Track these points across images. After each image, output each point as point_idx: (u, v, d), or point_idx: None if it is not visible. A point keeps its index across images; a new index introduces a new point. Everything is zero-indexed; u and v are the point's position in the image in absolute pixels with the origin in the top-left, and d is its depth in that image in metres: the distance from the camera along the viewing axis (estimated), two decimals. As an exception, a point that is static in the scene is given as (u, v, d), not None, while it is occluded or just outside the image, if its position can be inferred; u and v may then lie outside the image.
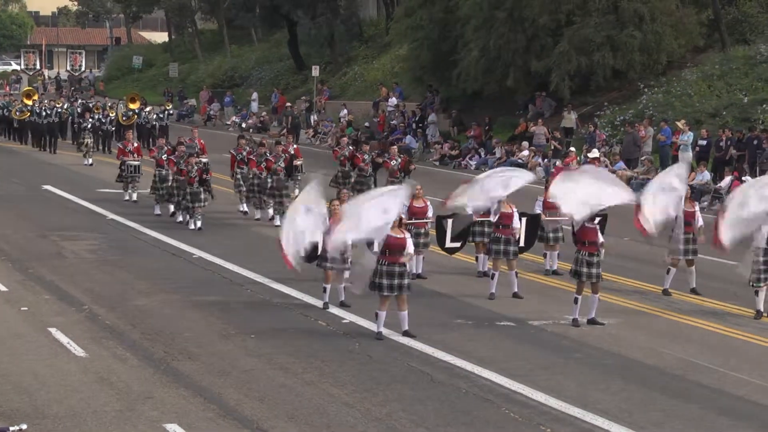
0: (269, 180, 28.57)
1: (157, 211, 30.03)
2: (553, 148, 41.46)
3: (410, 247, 17.83)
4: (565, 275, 20.39)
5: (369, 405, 14.21)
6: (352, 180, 30.27)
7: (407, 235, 17.65)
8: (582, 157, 39.06)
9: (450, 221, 21.65)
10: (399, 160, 29.47)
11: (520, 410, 14.11)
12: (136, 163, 32.22)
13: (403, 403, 14.28)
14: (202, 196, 27.72)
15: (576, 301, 18.38)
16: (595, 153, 38.62)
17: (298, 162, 30.55)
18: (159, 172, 29.99)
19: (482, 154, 43.68)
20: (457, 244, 22.12)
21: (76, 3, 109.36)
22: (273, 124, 59.45)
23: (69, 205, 31.97)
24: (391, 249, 17.28)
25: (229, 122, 62.08)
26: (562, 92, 43.73)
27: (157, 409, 13.90)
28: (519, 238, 20.83)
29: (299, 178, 30.26)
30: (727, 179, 33.91)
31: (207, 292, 20.87)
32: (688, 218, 20.57)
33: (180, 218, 28.73)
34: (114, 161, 36.09)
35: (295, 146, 31.90)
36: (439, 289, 21.07)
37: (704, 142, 36.48)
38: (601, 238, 18.52)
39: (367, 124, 52.17)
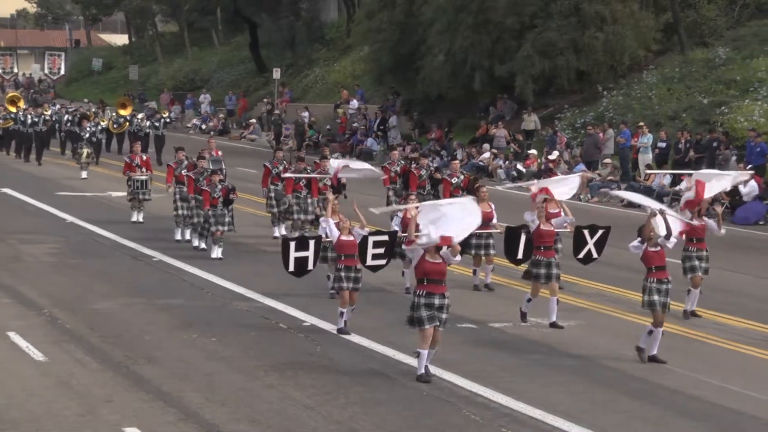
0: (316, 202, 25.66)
1: (178, 236, 26.63)
2: (513, 150, 41.59)
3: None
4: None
5: (330, 408, 14.17)
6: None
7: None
8: (542, 159, 39.25)
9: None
10: (462, 177, 25.09)
11: (481, 412, 14.10)
12: (144, 177, 28.85)
13: (365, 406, 14.25)
14: (227, 219, 24.45)
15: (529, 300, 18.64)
16: (555, 154, 38.79)
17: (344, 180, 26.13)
18: (180, 190, 26.33)
19: (443, 156, 43.71)
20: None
21: (35, 5, 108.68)
22: (232, 126, 59.43)
23: (27, 208, 31.77)
24: (429, 277, 15.22)
25: (189, 125, 61.89)
26: (526, 95, 43.91)
27: (117, 413, 13.80)
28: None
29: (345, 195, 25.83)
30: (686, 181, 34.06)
31: (167, 296, 20.76)
32: (701, 233, 19.73)
33: (196, 243, 25.47)
34: (102, 170, 35.73)
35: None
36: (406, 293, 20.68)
37: (664, 145, 36.68)
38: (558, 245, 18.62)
39: (328, 126, 52.12)
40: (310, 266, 18.63)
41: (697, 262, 19.35)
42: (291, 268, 18.54)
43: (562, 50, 43.26)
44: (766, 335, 18.34)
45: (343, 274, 17.79)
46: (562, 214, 20.17)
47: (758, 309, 20.06)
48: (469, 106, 47.92)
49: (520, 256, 19.71)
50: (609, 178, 36.69)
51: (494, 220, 21.35)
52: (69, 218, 29.56)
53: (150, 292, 20.98)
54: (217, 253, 24.24)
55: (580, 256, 19.79)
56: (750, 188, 31.86)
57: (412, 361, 16.31)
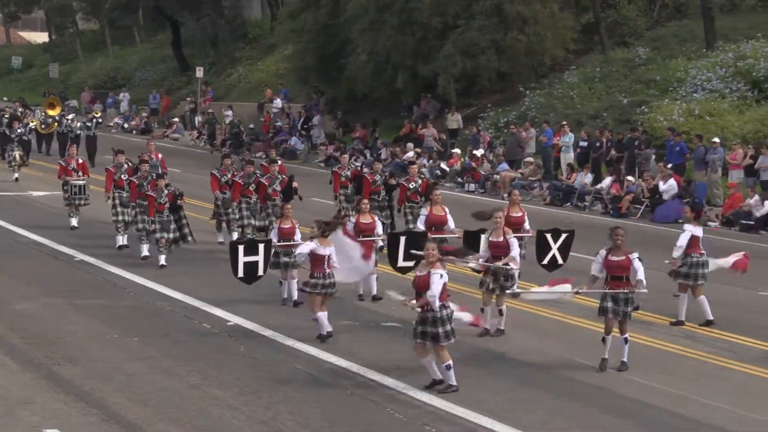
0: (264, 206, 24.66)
1: (122, 241, 25.31)
2: (436, 149, 41.76)
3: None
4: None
5: (254, 407, 14.13)
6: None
7: (438, 271, 14.68)
8: (466, 157, 39.45)
9: (403, 238, 19.61)
10: (420, 182, 24.28)
11: (405, 410, 14.14)
12: (81, 182, 27.69)
13: (289, 405, 14.22)
14: (172, 226, 23.34)
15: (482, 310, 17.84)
16: (480, 152, 39.03)
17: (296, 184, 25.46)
18: (119, 195, 25.40)
19: (368, 155, 43.74)
20: (410, 263, 19.24)
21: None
22: (155, 125, 59.02)
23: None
24: (418, 291, 14.84)
25: (111, 124, 61.29)
26: (449, 95, 44.11)
27: (37, 414, 13.65)
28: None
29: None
30: (607, 180, 34.49)
31: (89, 296, 20.57)
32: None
33: (145, 252, 24.03)
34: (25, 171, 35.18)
35: (279, 162, 27.34)
36: (338, 295, 19.66)
37: (585, 144, 37.03)
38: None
39: (251, 125, 51.92)
40: (261, 272, 18.45)
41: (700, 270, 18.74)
42: (240, 273, 18.34)
43: (484, 50, 43.52)
44: (686, 331, 18.56)
45: (320, 281, 17.34)
46: (525, 218, 20.06)
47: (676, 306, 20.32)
48: (392, 105, 48.01)
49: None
50: (530, 177, 36.96)
51: (450, 225, 20.50)
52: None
53: (71, 293, 20.77)
54: (162, 260, 23.14)
55: (545, 262, 19.28)
56: (669, 187, 32.27)
57: (335, 360, 16.33)
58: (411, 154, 40.53)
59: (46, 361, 16.09)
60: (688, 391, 15.16)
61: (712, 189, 33.20)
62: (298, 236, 19.72)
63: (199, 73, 58.49)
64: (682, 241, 18.62)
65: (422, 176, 25.74)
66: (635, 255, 16.06)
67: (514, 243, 17.82)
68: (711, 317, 18.68)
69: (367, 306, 19.95)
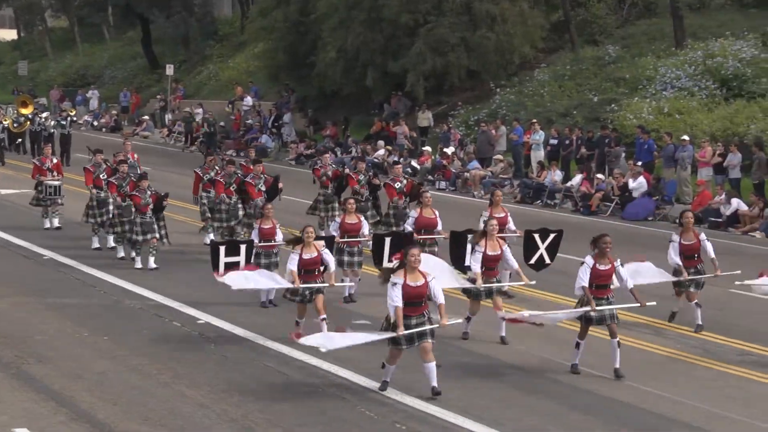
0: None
1: (96, 244, 25.11)
2: (407, 147, 41.77)
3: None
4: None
5: (225, 406, 14.08)
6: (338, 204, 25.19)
7: (429, 279, 14.57)
8: (437, 155, 39.48)
9: (388, 240, 19.44)
10: (405, 182, 23.88)
11: (376, 408, 14.13)
12: (57, 183, 27.18)
13: (260, 404, 14.19)
14: (155, 226, 22.94)
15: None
16: (450, 150, 39.06)
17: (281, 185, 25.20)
18: (97, 195, 25.08)
19: (338, 153, 43.73)
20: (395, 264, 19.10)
21: None
22: (124, 123, 58.83)
23: None
24: (409, 300, 14.44)
25: (81, 122, 61.00)
26: (417, 92, 44.14)
27: (5, 413, 13.56)
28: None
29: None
30: (578, 178, 34.59)
31: (59, 295, 20.47)
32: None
33: (122, 254, 23.88)
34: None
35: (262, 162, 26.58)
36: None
37: (555, 142, 37.12)
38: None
39: (222, 123, 51.78)
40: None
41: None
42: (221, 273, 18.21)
43: (453, 47, 43.57)
44: (658, 329, 18.62)
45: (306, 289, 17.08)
46: (509, 218, 19.93)
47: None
48: (363, 103, 48.00)
49: (467, 262, 18.19)
50: (501, 175, 37.01)
51: (439, 227, 20.39)
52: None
53: (41, 291, 20.66)
54: (150, 263, 22.73)
55: (532, 262, 19.08)
56: (639, 184, 32.38)
57: (305, 358, 16.29)
58: (382, 152, 40.54)
59: (15, 360, 15.99)
60: (657, 388, 15.19)
61: (682, 186, 33.35)
62: (279, 237, 19.60)
63: (170, 70, 58.29)
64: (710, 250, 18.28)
65: (406, 177, 25.26)
66: (618, 262, 15.91)
67: (508, 253, 17.39)
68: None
69: (343, 306, 19.82)
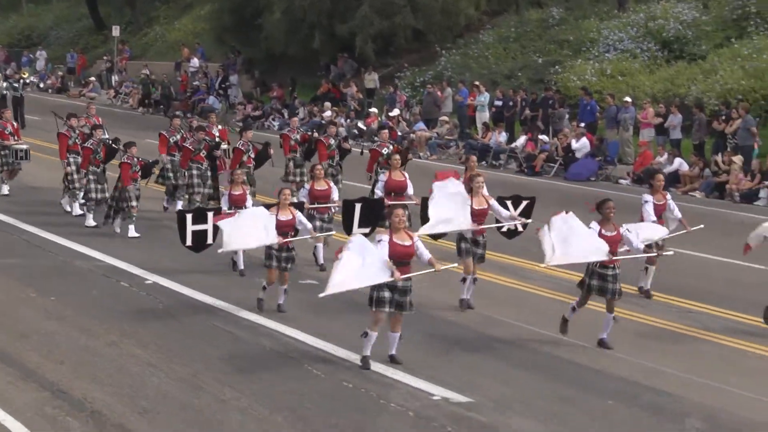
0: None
1: (77, 210, 24.25)
2: (354, 109, 41.72)
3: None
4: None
5: (173, 365, 14.10)
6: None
7: (416, 239, 14.38)
8: (383, 117, 39.47)
9: (359, 206, 19.16)
10: (391, 148, 23.14)
11: (322, 366, 14.20)
12: (25, 146, 26.60)
13: (207, 363, 14.22)
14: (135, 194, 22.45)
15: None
16: (396, 112, 39.05)
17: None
18: (75, 160, 24.31)
19: (285, 114, 43.61)
20: (366, 230, 18.79)
21: None
22: (71, 84, 58.25)
23: None
24: (397, 259, 14.14)
25: (27, 82, 60.35)
26: (367, 55, 44.09)
27: (-47, 374, 13.52)
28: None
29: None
30: (522, 139, 34.75)
31: (5, 255, 20.32)
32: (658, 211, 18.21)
33: (91, 222, 23.14)
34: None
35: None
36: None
37: (500, 103, 37.22)
38: None
39: (169, 83, 51.33)
40: (210, 240, 18.05)
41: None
42: (189, 242, 17.97)
43: (400, 9, 43.50)
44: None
45: (274, 252, 16.75)
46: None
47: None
48: (310, 65, 47.77)
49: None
50: (447, 136, 37.07)
51: (409, 190, 20.09)
52: None
53: (-14, 252, 20.54)
54: (132, 231, 22.26)
55: (504, 229, 18.55)
56: (582, 145, 32.60)
57: (252, 317, 16.34)
58: (328, 113, 40.46)
59: (-39, 321, 15.91)
60: (631, 355, 15.08)
61: (624, 147, 33.61)
62: (249, 203, 19.11)
63: (116, 32, 57.64)
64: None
65: (392, 143, 24.58)
66: (624, 228, 15.50)
67: (496, 205, 17.35)
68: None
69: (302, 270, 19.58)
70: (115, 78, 55.93)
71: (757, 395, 13.59)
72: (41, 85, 58.54)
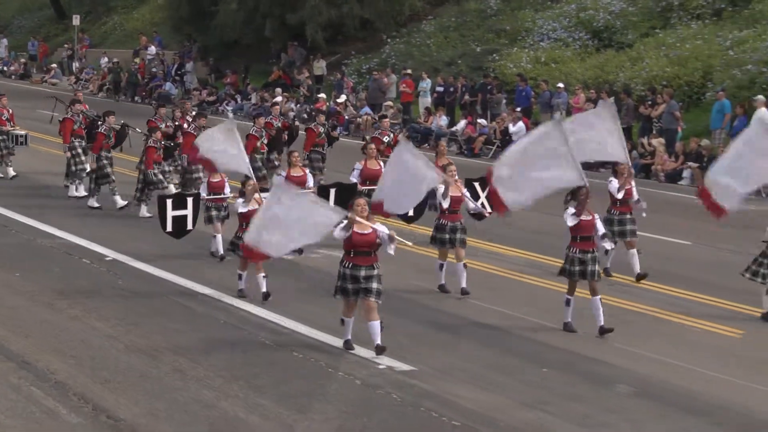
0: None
1: (82, 192, 23.76)
2: (303, 94, 41.61)
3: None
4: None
5: (132, 337, 13.99)
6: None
7: (378, 227, 13.51)
8: (331, 102, 39.35)
9: (333, 190, 18.50)
10: (392, 136, 22.43)
11: (273, 337, 14.16)
12: (24, 132, 26.15)
13: (165, 335, 14.12)
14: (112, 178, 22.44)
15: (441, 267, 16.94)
16: (342, 98, 38.95)
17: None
18: (81, 144, 23.89)
19: (239, 100, 43.48)
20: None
21: None
22: (33, 71, 57.63)
23: None
24: (357, 248, 13.49)
25: (-10, 69, 59.67)
26: (318, 43, 44.06)
27: None
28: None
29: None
30: (462, 122, 34.80)
31: (-29, 234, 20.09)
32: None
33: (94, 203, 22.65)
34: None
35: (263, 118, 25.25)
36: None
37: (441, 89, 37.25)
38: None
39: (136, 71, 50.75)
40: (190, 225, 17.74)
41: (628, 227, 17.91)
42: (169, 228, 17.63)
43: (347, -1, 43.54)
44: (549, 266, 18.58)
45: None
46: (453, 166, 17.77)
47: (532, 240, 20.66)
48: (262, 52, 47.59)
49: (411, 213, 17.92)
50: (391, 120, 36.98)
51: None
52: None
53: (-48, 231, 20.26)
54: (144, 211, 21.85)
55: (470, 211, 17.62)
56: (518, 128, 32.67)
57: (208, 292, 16.24)
58: (279, 98, 40.28)
59: (-71, 296, 15.68)
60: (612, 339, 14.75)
61: (557, 130, 33.69)
62: (227, 190, 18.66)
63: (76, 20, 57.09)
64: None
65: (393, 131, 24.03)
66: (596, 215, 15.11)
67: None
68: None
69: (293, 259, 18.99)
70: (75, 65, 55.40)
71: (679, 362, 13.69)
72: (4, 71, 57.95)
